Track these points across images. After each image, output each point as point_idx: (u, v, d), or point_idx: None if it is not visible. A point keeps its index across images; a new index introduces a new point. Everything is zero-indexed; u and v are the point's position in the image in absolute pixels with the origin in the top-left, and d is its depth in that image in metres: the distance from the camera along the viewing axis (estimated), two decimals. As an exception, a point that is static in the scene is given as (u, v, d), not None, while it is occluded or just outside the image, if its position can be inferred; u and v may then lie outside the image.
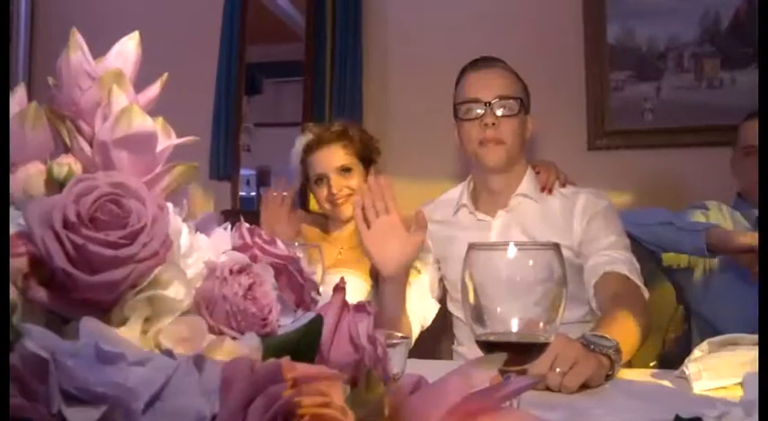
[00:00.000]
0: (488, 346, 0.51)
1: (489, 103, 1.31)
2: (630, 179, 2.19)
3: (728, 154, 1.80)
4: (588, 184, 2.23)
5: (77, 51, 0.44)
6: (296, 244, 0.94)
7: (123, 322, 0.35)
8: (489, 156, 1.32)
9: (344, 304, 0.39)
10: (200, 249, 0.40)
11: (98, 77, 0.44)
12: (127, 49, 0.46)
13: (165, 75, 0.50)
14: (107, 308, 0.35)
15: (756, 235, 1.28)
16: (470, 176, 1.47)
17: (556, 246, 0.52)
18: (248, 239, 0.43)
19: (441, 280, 1.44)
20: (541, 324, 0.51)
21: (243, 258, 0.39)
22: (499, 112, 1.31)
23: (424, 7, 2.50)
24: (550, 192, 1.38)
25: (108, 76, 0.43)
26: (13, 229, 0.36)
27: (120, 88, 0.43)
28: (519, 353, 0.50)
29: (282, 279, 0.42)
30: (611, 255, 1.24)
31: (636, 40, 2.21)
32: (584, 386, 0.84)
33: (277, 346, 0.34)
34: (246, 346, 0.33)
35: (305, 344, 0.35)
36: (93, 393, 0.27)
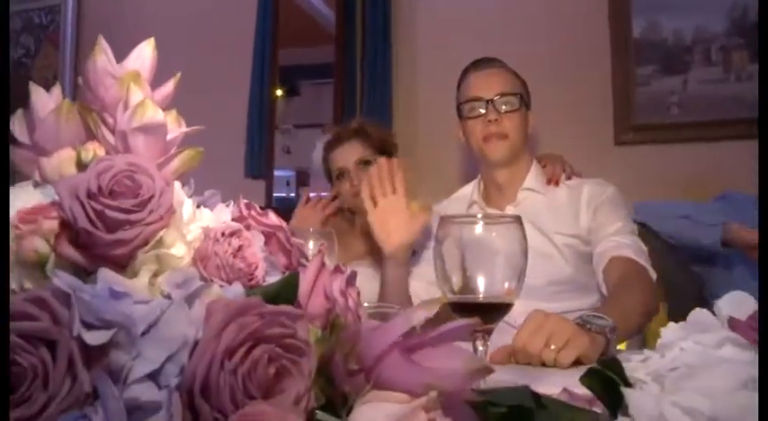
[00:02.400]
0: (458, 307, 0.57)
1: (491, 101, 1.38)
2: (658, 174, 2.20)
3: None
4: (615, 180, 2.26)
5: (102, 55, 0.53)
6: (310, 230, 1.02)
7: (135, 275, 0.43)
8: (494, 151, 1.38)
9: (322, 265, 0.47)
10: (202, 219, 0.48)
11: (119, 77, 0.52)
12: (144, 54, 0.54)
13: (179, 74, 0.58)
14: (122, 264, 0.43)
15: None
16: (480, 175, 1.53)
17: (518, 219, 0.58)
18: (244, 212, 0.51)
19: None
20: (505, 287, 0.57)
21: (236, 225, 0.47)
22: (501, 109, 1.37)
23: (452, 9, 2.56)
24: (557, 184, 1.43)
25: (127, 77, 0.52)
26: (47, 201, 0.45)
27: (136, 86, 0.51)
28: (485, 313, 0.57)
29: (273, 244, 0.50)
30: (617, 241, 1.28)
31: (662, 34, 2.23)
32: (578, 362, 0.89)
33: (258, 295, 0.41)
34: (231, 292, 0.40)
35: (283, 295, 0.43)
36: (104, 321, 0.35)
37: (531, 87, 2.25)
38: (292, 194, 3.27)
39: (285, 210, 2.46)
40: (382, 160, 1.31)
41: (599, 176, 2.11)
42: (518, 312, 0.93)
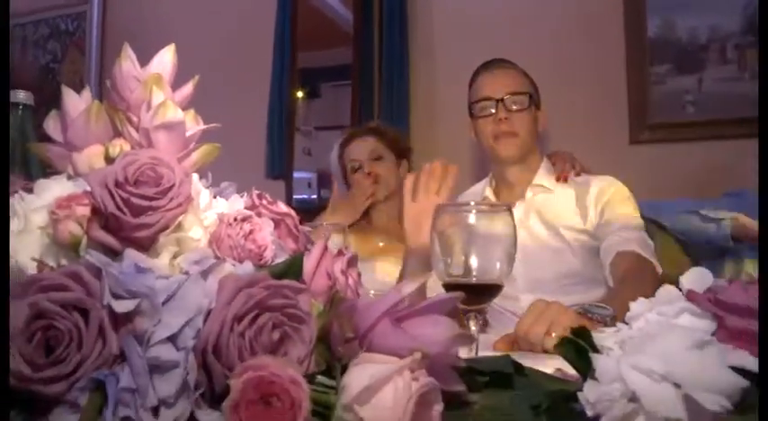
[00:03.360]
0: (452, 289, 0.62)
1: (501, 100, 1.42)
2: (673, 172, 2.22)
3: (773, 145, 1.83)
4: (631, 178, 2.28)
5: (127, 61, 0.58)
6: (323, 224, 1.07)
7: (157, 256, 0.48)
8: (504, 149, 1.43)
9: (325, 249, 0.52)
10: (218, 206, 0.53)
11: (143, 80, 0.58)
12: (165, 59, 0.60)
13: (197, 77, 0.64)
14: (146, 245, 0.48)
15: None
16: (491, 172, 1.57)
17: (508, 208, 0.63)
18: (256, 201, 0.56)
19: None
20: (496, 270, 0.61)
21: (247, 212, 0.52)
22: (511, 107, 1.42)
23: (468, 10, 2.60)
24: (566, 181, 1.47)
25: (150, 80, 0.57)
26: (79, 191, 0.51)
27: (158, 88, 0.57)
28: (477, 294, 0.61)
29: (282, 229, 0.55)
30: (623, 236, 1.32)
31: (676, 33, 2.25)
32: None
33: (266, 272, 0.46)
34: (241, 270, 0.45)
35: (289, 273, 0.47)
36: (130, 292, 0.41)
37: (547, 86, 2.28)
38: (314, 196, 3.30)
39: (306, 211, 2.51)
40: (438, 161, 1.31)
41: (615, 175, 2.13)
42: (526, 304, 0.97)
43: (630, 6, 2.29)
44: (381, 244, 1.76)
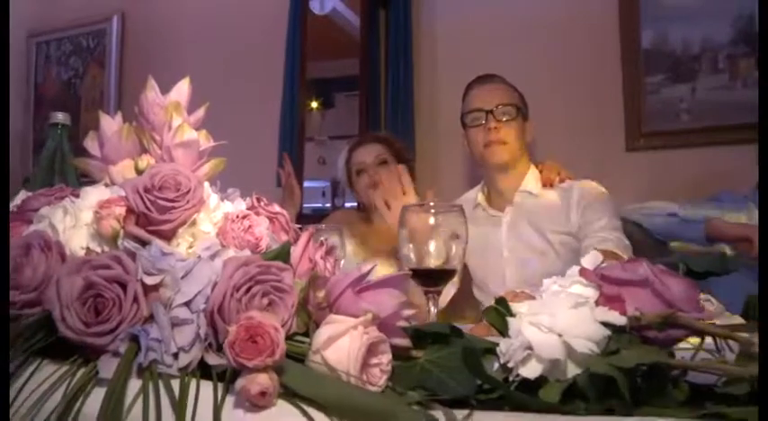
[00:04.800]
0: (414, 274, 0.76)
1: (491, 111, 1.56)
2: (668, 178, 2.34)
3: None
4: (627, 184, 2.40)
5: (152, 91, 0.73)
6: (322, 226, 1.21)
7: (177, 245, 0.63)
8: (494, 156, 1.57)
9: (309, 239, 0.66)
10: (224, 207, 0.68)
11: (164, 106, 0.73)
12: (182, 88, 0.75)
13: (207, 104, 0.78)
14: (168, 237, 0.63)
15: (749, 225, 1.45)
16: (483, 180, 1.71)
17: (460, 208, 0.77)
18: (255, 203, 0.70)
19: (463, 267, 1.68)
20: (450, 257, 0.76)
21: (247, 212, 0.67)
22: (500, 118, 1.55)
23: (470, 23, 2.75)
24: (552, 187, 1.61)
25: (170, 106, 0.72)
26: (115, 196, 0.65)
27: (177, 114, 0.72)
28: (434, 278, 0.76)
29: (276, 225, 0.69)
30: (601, 236, 1.45)
31: (670, 44, 2.37)
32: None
33: (260, 256, 0.61)
34: (241, 254, 0.60)
35: (279, 257, 0.62)
36: (157, 269, 0.55)
37: (546, 97, 2.43)
38: (327, 204, 3.40)
39: (319, 219, 2.63)
40: (388, 169, 1.46)
41: (612, 181, 2.27)
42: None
43: (625, 20, 2.42)
44: (379, 245, 1.89)
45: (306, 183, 3.03)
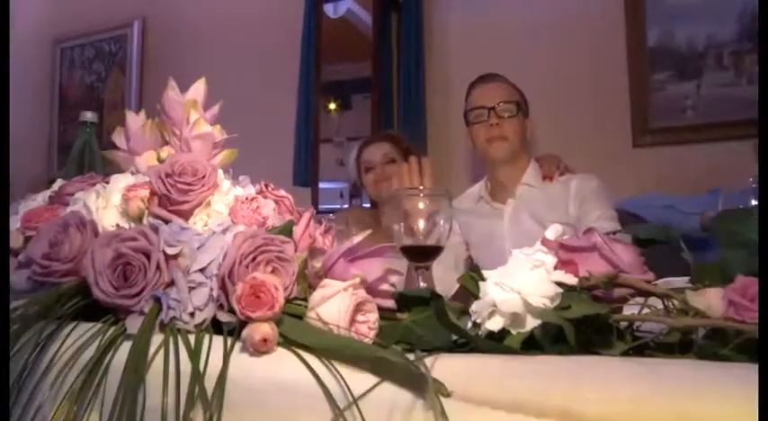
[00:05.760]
0: (405, 250, 0.86)
1: (493, 108, 1.65)
2: (674, 173, 2.40)
3: None
4: (634, 180, 2.47)
5: (173, 90, 0.83)
6: (330, 216, 1.30)
7: (194, 223, 0.73)
8: (496, 151, 1.66)
9: (310, 219, 0.75)
10: (236, 191, 0.77)
11: (183, 104, 0.83)
12: (199, 87, 0.85)
13: (221, 102, 0.88)
14: (186, 216, 0.73)
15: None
16: (486, 175, 1.80)
17: (446, 192, 0.86)
18: (263, 188, 0.80)
19: (467, 258, 1.77)
20: (437, 237, 0.85)
21: (255, 195, 0.76)
22: (502, 114, 1.64)
23: (481, 25, 2.83)
24: (551, 180, 1.69)
25: (188, 103, 0.82)
26: (141, 181, 0.75)
27: (194, 110, 0.82)
28: (424, 254, 0.85)
29: (281, 207, 0.79)
30: (597, 225, 1.52)
31: (675, 42, 2.44)
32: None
33: (267, 232, 0.70)
34: (249, 229, 0.69)
35: (282, 233, 0.71)
36: (177, 242, 0.65)
37: (555, 95, 2.51)
38: (345, 205, 3.49)
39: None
40: (414, 157, 1.54)
41: (620, 176, 2.35)
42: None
43: (632, 18, 2.49)
44: (386, 242, 1.98)
45: (324, 185, 3.13)
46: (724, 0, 2.38)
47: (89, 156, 1.07)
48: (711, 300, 0.57)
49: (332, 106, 3.51)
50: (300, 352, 0.57)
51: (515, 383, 0.49)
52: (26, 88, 3.68)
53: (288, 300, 0.64)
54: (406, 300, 0.69)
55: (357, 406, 0.49)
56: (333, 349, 0.56)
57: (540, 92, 2.46)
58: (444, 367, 0.51)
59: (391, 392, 0.50)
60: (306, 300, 0.67)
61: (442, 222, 0.85)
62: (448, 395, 0.47)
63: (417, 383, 0.49)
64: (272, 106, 3.21)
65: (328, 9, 3.16)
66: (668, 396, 0.45)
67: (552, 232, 0.66)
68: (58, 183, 0.82)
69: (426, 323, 0.66)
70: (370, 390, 0.49)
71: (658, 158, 2.45)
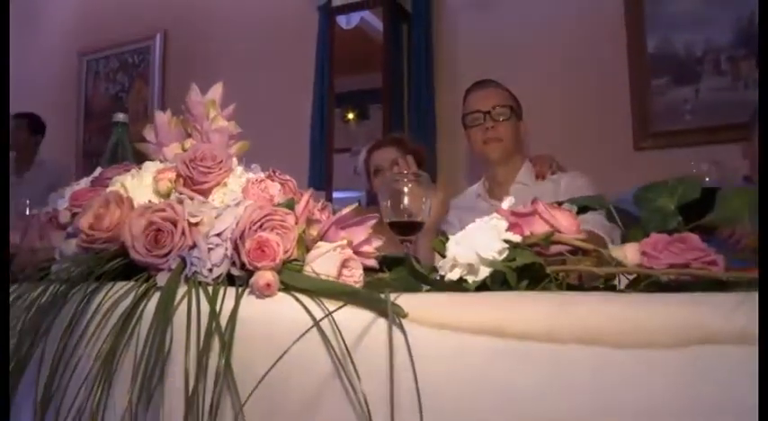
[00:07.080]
0: (392, 225, 1.01)
1: (488, 112, 1.80)
2: (675, 175, 2.52)
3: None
4: (636, 182, 2.58)
5: (195, 93, 1.00)
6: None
7: (213, 200, 0.89)
8: (492, 152, 1.81)
9: (310, 198, 0.91)
10: (247, 175, 0.93)
11: (203, 103, 0.99)
12: (217, 90, 1.01)
13: (234, 104, 1.05)
14: (206, 195, 0.89)
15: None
16: (484, 174, 1.96)
17: (426, 177, 1.02)
18: (271, 174, 0.96)
19: None
20: (419, 213, 1.01)
21: (263, 178, 0.92)
22: (497, 118, 1.80)
23: (487, 36, 2.99)
24: (543, 178, 1.84)
25: (207, 103, 0.99)
26: (169, 166, 0.92)
27: (213, 108, 0.98)
28: (408, 228, 1.01)
29: (286, 188, 0.95)
30: (582, 217, 1.65)
31: (674, 48, 2.58)
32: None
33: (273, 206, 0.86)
34: (257, 204, 0.85)
35: (285, 207, 0.87)
36: (198, 212, 0.81)
37: (558, 101, 2.65)
38: None
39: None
40: (399, 160, 1.71)
41: (621, 179, 2.47)
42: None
43: (632, 26, 2.64)
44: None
45: (340, 194, 3.27)
46: (721, 8, 2.51)
47: (122, 151, 1.24)
48: (628, 252, 0.71)
49: (350, 116, 3.66)
50: (298, 295, 0.72)
51: (460, 310, 0.64)
52: (53, 98, 3.91)
53: (288, 261, 0.80)
54: (387, 262, 0.84)
55: (334, 321, 0.64)
56: (321, 289, 0.72)
57: (544, 97, 2.62)
58: (406, 300, 0.66)
59: (363, 316, 0.65)
60: (302, 260, 0.82)
61: (423, 200, 1.01)
62: (404, 315, 0.62)
63: (383, 309, 0.64)
64: (288, 116, 3.39)
65: (341, 20, 3.33)
66: (576, 317, 0.60)
67: (506, 203, 0.81)
68: (98, 170, 0.99)
69: (402, 277, 0.82)
70: (340, 307, 0.65)
71: (659, 160, 2.58)
